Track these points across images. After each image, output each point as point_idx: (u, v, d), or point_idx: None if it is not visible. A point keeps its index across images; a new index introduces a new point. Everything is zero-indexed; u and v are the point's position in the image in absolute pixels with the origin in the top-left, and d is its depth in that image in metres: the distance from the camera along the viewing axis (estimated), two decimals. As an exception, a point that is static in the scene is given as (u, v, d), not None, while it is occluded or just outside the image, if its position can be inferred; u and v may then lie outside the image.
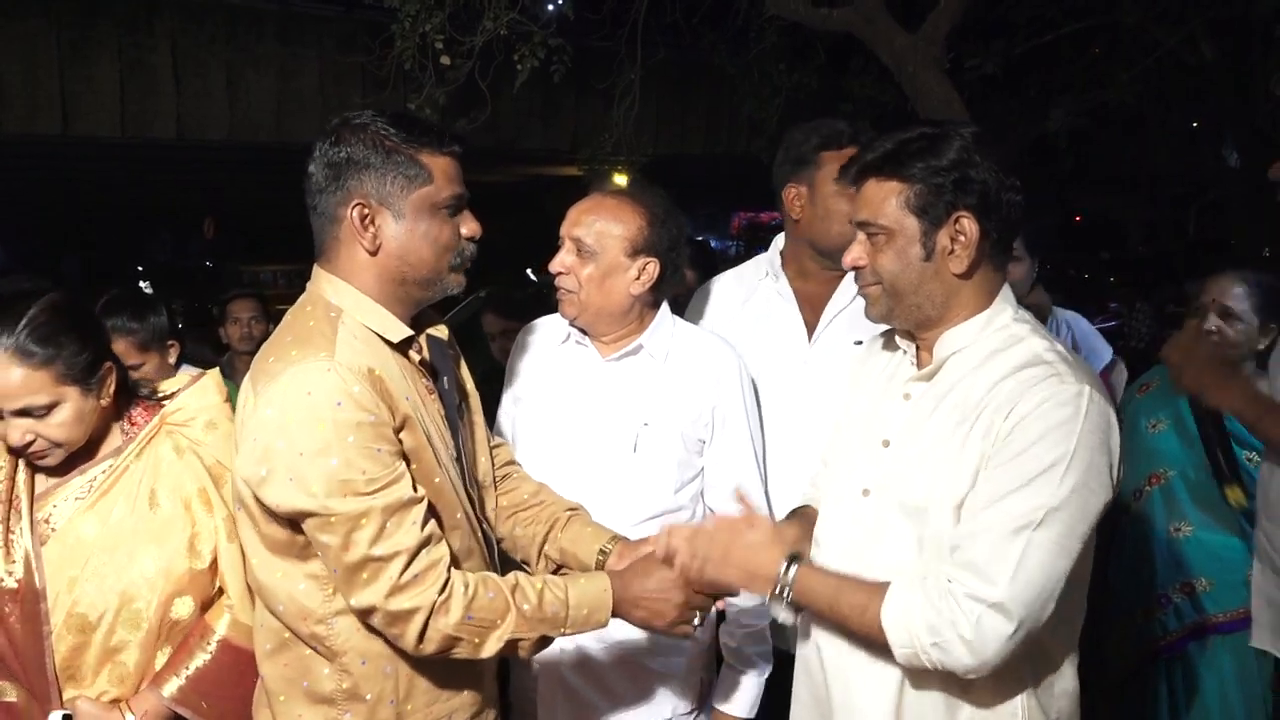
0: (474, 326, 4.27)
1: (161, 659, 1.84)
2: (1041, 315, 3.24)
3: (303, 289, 1.70)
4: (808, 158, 2.32)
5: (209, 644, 1.84)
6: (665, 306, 2.15)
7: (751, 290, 2.46)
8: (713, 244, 13.93)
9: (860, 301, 1.72)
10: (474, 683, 1.76)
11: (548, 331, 2.21)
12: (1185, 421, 2.84)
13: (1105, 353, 3.44)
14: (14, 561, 1.76)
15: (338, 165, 1.61)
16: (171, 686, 1.81)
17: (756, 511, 1.67)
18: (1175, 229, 17.60)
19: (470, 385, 1.89)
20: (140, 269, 19.42)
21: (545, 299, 2.16)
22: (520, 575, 1.66)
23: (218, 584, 1.88)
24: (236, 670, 1.83)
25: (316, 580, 1.60)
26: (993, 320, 1.61)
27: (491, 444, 1.98)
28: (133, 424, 1.89)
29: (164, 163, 13.05)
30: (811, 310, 2.38)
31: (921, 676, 1.59)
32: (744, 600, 2.12)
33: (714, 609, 2.14)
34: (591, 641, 2.05)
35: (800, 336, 2.37)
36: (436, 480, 1.66)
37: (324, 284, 1.66)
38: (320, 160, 1.63)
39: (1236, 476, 2.71)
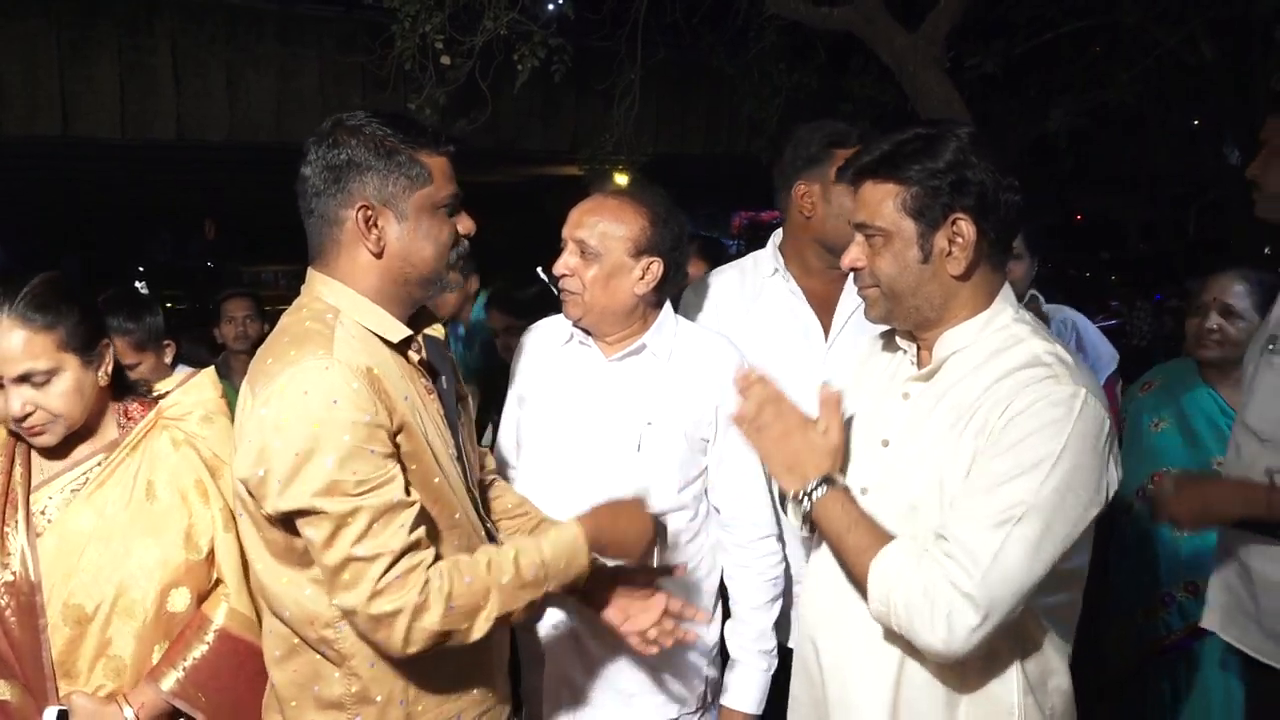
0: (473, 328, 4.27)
1: (158, 654, 1.83)
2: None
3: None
4: (820, 156, 2.31)
5: (207, 634, 1.84)
6: (668, 306, 2.15)
7: (759, 288, 2.45)
8: (713, 243, 13.91)
9: None
10: (484, 680, 1.76)
11: (550, 332, 2.22)
12: (1188, 420, 2.84)
13: (1109, 361, 3.42)
14: (9, 554, 1.76)
15: (338, 168, 1.60)
16: (169, 680, 1.80)
17: (839, 419, 1.67)
18: (1175, 229, 17.61)
19: (463, 388, 1.89)
20: (141, 269, 19.41)
21: (551, 295, 2.16)
22: (491, 549, 1.64)
23: (213, 577, 1.88)
24: (235, 660, 1.83)
25: (321, 585, 1.59)
26: (992, 321, 1.61)
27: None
28: (129, 418, 1.90)
29: (164, 163, 13.04)
30: (822, 310, 2.38)
31: (919, 672, 1.59)
32: (749, 600, 2.13)
33: (720, 607, 2.15)
34: (599, 640, 2.05)
35: (818, 337, 2.38)
36: (436, 481, 1.65)
37: (319, 286, 1.65)
38: (318, 163, 1.61)
39: None
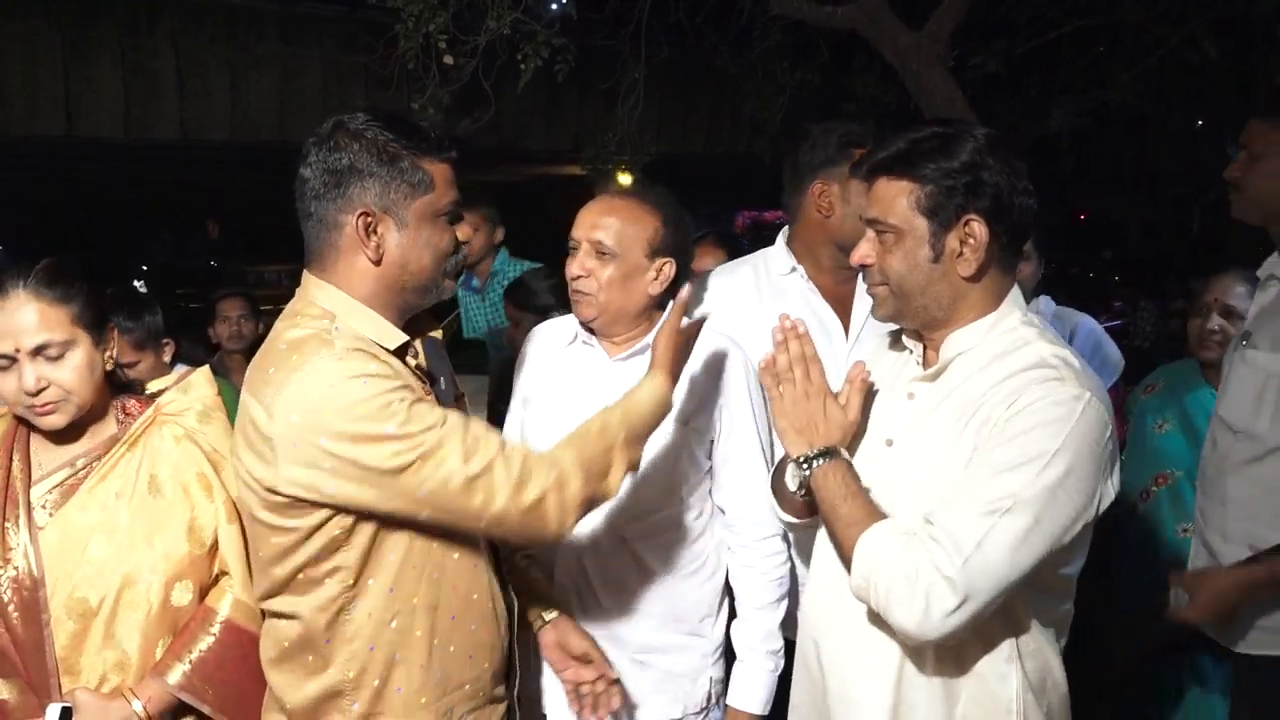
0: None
1: (161, 650, 1.83)
2: None
3: None
4: (839, 156, 2.29)
5: (213, 626, 1.84)
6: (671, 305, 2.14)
7: (777, 286, 2.43)
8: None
9: None
10: (475, 677, 1.76)
11: (554, 334, 2.21)
12: (1191, 421, 2.84)
13: (1115, 368, 3.40)
14: (11, 549, 1.76)
15: (338, 172, 1.58)
16: (176, 673, 1.80)
17: (860, 399, 1.69)
18: (1177, 228, 17.60)
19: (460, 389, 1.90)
20: (145, 269, 19.43)
21: (564, 288, 2.16)
22: (591, 417, 1.71)
23: (214, 571, 1.89)
24: (240, 652, 1.83)
25: (338, 574, 1.60)
26: (999, 323, 1.61)
27: None
28: (126, 414, 1.90)
29: (165, 163, 13.08)
30: (838, 308, 2.38)
31: (919, 673, 1.59)
32: (754, 600, 2.13)
33: (726, 607, 2.15)
34: (603, 640, 2.05)
35: (839, 335, 2.37)
36: None
37: (315, 291, 1.63)
38: (317, 166, 1.59)
39: None
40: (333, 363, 1.50)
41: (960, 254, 1.56)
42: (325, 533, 1.57)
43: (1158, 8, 7.21)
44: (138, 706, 1.77)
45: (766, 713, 2.13)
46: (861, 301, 2.34)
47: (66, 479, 1.82)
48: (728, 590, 2.19)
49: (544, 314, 2.88)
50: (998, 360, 1.57)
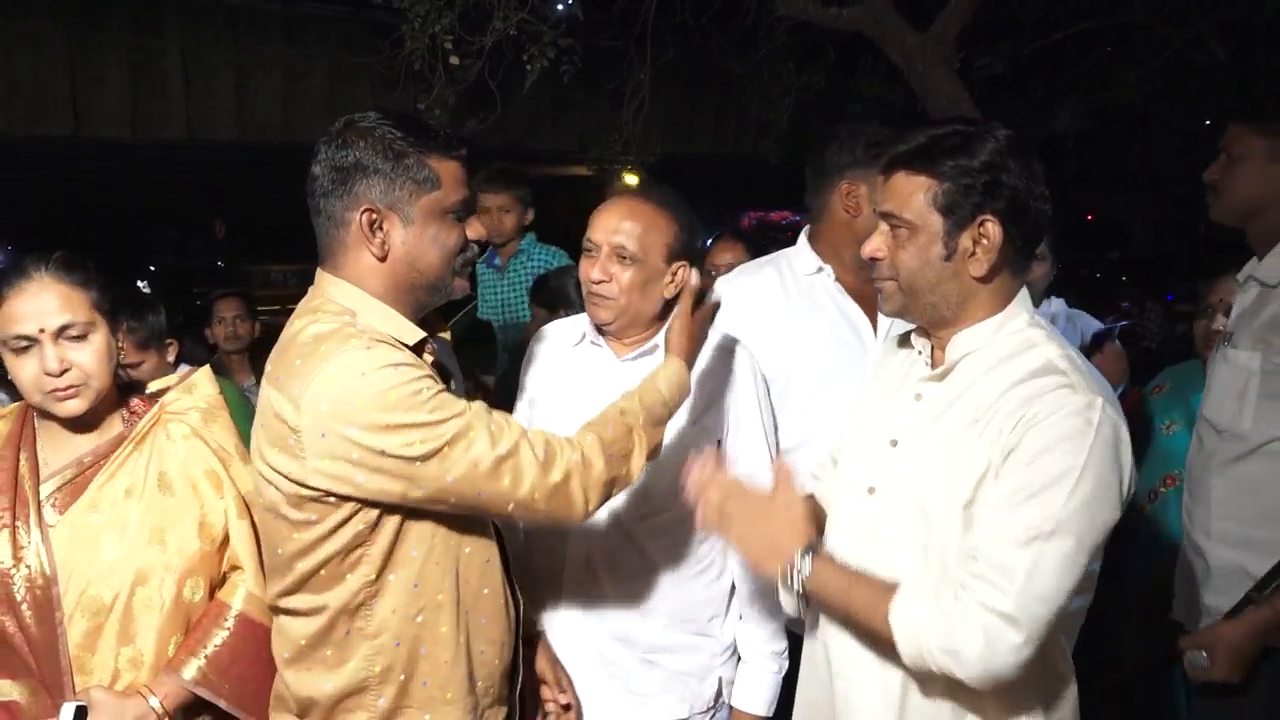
0: (475, 334, 4.24)
1: (173, 647, 1.84)
2: None
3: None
4: (866, 157, 2.29)
5: (226, 620, 1.85)
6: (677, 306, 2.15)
7: (804, 287, 2.43)
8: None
9: None
10: (489, 675, 1.77)
11: (560, 335, 2.22)
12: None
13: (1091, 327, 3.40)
14: (23, 548, 1.76)
15: (345, 169, 1.59)
16: (191, 668, 1.81)
17: (795, 491, 1.67)
18: (1179, 229, 17.55)
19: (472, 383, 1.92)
20: (152, 269, 19.46)
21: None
22: (612, 402, 1.76)
23: (223, 567, 1.90)
24: (255, 646, 1.84)
25: (360, 568, 1.61)
26: (1006, 324, 1.60)
27: None
28: (132, 412, 1.91)
29: (166, 163, 13.10)
30: (866, 308, 2.38)
31: (928, 683, 1.59)
32: (759, 600, 2.13)
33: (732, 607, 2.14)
34: (612, 640, 2.06)
35: (869, 334, 2.37)
36: None
37: (330, 288, 1.64)
38: (326, 163, 1.60)
39: None
40: (362, 353, 1.51)
41: (973, 254, 1.56)
42: (350, 527, 1.58)
43: (1163, 9, 7.20)
44: (155, 703, 1.77)
45: (770, 713, 2.13)
46: None
47: (74, 477, 1.82)
48: (735, 590, 2.19)
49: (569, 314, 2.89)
50: (1005, 363, 1.57)
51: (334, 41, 9.61)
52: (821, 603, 1.63)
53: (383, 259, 1.62)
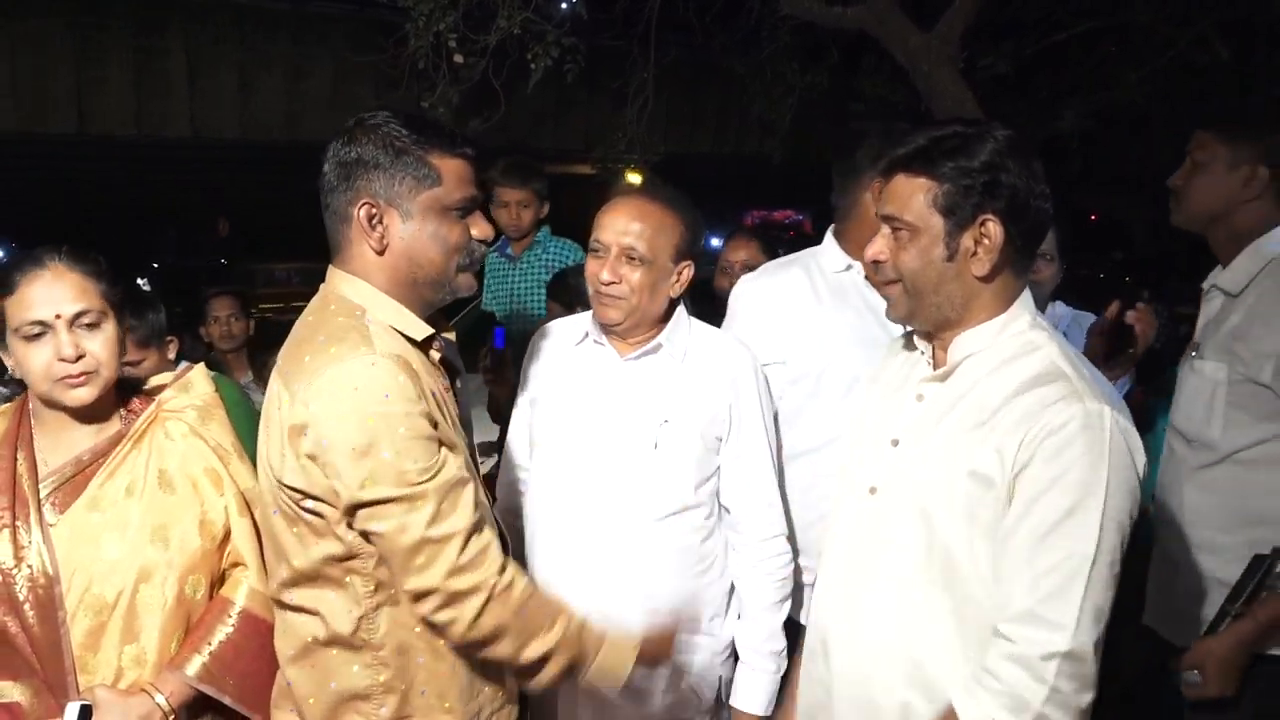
0: (478, 332, 4.23)
1: (175, 646, 1.84)
2: None
3: (317, 287, 1.72)
4: None
5: (230, 616, 1.85)
6: (681, 305, 2.15)
7: (834, 285, 2.41)
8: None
9: None
10: (496, 678, 1.77)
11: (562, 333, 2.22)
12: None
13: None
14: (24, 548, 1.76)
15: (348, 164, 1.62)
16: (194, 665, 1.81)
17: None
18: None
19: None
20: (155, 266, 19.48)
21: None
22: (566, 608, 1.68)
23: (222, 564, 1.90)
24: (258, 642, 1.84)
25: (360, 575, 1.62)
26: (1008, 325, 1.60)
27: None
28: (130, 411, 1.91)
29: (167, 162, 13.12)
30: None
31: (934, 673, 1.59)
32: (758, 601, 2.13)
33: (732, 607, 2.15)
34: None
35: (898, 331, 2.36)
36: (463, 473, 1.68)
37: (341, 283, 1.66)
38: (333, 159, 1.64)
39: None
40: (366, 367, 1.53)
41: (974, 253, 1.56)
42: (343, 532, 1.60)
43: (1165, 9, 7.19)
44: (161, 700, 1.77)
45: (769, 713, 2.13)
46: None
47: (73, 475, 1.82)
48: (735, 589, 2.19)
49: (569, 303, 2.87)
50: (1008, 365, 1.57)
51: (338, 40, 9.61)
52: None
53: (381, 252, 1.64)
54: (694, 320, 2.18)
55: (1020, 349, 1.58)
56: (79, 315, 1.76)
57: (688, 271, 2.08)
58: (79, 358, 1.75)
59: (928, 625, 1.59)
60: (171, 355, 3.08)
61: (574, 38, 6.35)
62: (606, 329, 2.10)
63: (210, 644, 1.83)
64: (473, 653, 1.68)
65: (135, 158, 12.31)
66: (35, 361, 1.75)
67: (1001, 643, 1.48)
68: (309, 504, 1.59)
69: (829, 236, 2.46)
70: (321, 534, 1.60)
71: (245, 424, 2.95)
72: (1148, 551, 2.91)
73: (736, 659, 2.17)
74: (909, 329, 1.77)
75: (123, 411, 1.90)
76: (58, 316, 1.75)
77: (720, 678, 2.16)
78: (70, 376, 1.75)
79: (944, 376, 1.64)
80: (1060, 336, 1.64)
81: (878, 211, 1.66)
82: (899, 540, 1.62)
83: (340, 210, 1.64)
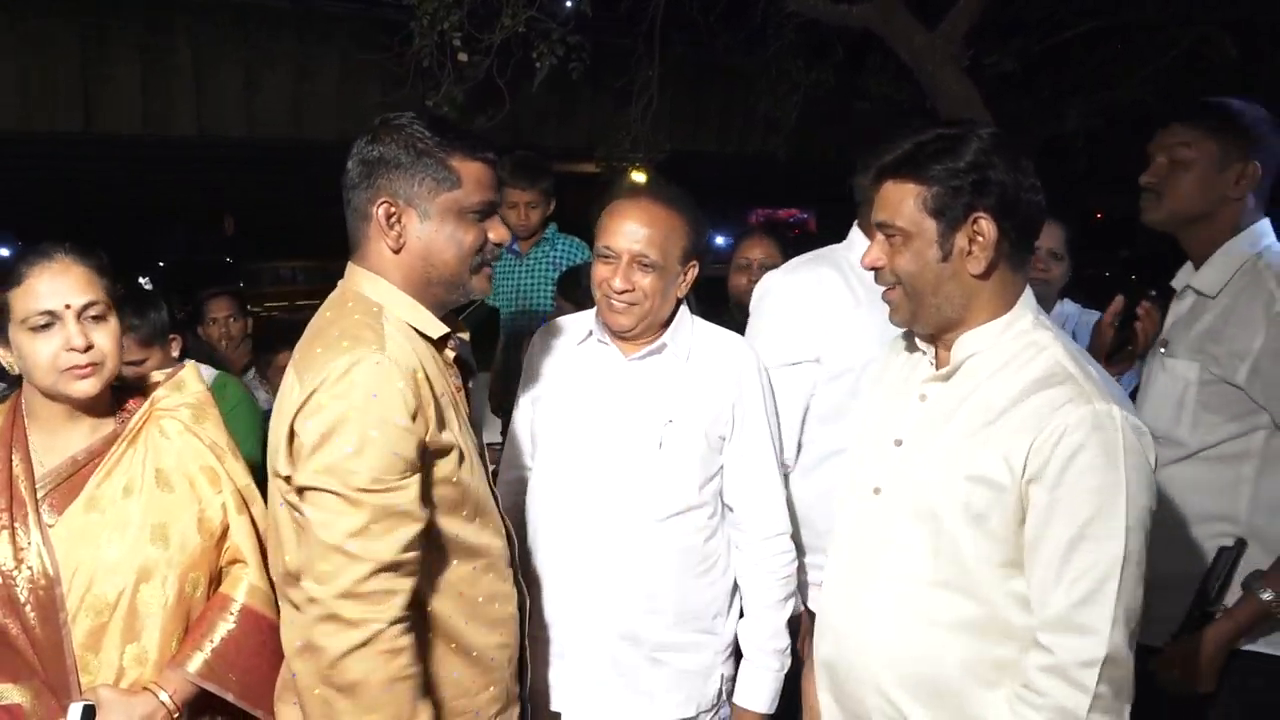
0: (485, 328, 4.23)
1: (176, 644, 1.84)
2: None
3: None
4: None
5: (230, 613, 1.85)
6: (684, 304, 2.15)
7: (867, 281, 2.34)
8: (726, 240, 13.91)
9: None
10: (499, 680, 1.77)
11: (565, 331, 2.22)
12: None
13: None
14: (23, 549, 1.76)
15: (370, 163, 1.64)
16: (196, 662, 1.81)
17: None
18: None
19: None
20: (161, 264, 19.51)
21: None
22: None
23: (220, 562, 1.91)
24: (260, 638, 1.84)
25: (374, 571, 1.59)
26: (1012, 325, 1.61)
27: None
28: (125, 411, 1.92)
29: (169, 162, 13.13)
30: None
31: (942, 673, 1.59)
32: (762, 599, 2.13)
33: (736, 605, 2.14)
34: (620, 639, 2.06)
35: None
36: (469, 473, 1.68)
37: (361, 280, 1.68)
38: (356, 157, 1.67)
39: None
40: (368, 365, 1.53)
41: (969, 252, 1.57)
42: None
43: (1168, 8, 7.17)
44: (165, 698, 1.77)
45: (772, 711, 2.13)
46: None
47: (69, 475, 1.82)
48: (737, 588, 2.19)
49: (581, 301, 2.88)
50: (1012, 365, 1.57)
51: (343, 39, 9.61)
52: None
53: (398, 251, 1.66)
54: (697, 319, 2.18)
55: (1024, 349, 1.58)
56: (87, 306, 1.78)
57: (693, 272, 2.08)
58: (88, 348, 1.76)
59: (931, 626, 1.59)
60: (175, 353, 3.07)
61: (578, 36, 6.35)
62: (620, 333, 2.10)
63: (212, 641, 1.83)
64: (479, 641, 1.68)
65: (145, 156, 12.32)
66: (43, 352, 1.75)
67: (1039, 654, 1.49)
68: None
69: (855, 232, 2.42)
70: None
71: (250, 421, 2.97)
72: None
73: (737, 658, 2.17)
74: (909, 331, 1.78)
75: (118, 411, 1.91)
76: (67, 307, 1.76)
77: (723, 676, 2.16)
78: (78, 367, 1.76)
79: (947, 376, 1.64)
80: (1065, 335, 1.64)
81: (871, 220, 1.67)
82: (903, 541, 1.62)
83: (361, 208, 1.66)
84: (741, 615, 2.17)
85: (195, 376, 2.01)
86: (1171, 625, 2.12)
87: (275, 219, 19.77)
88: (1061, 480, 1.47)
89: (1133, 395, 2.47)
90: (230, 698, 1.82)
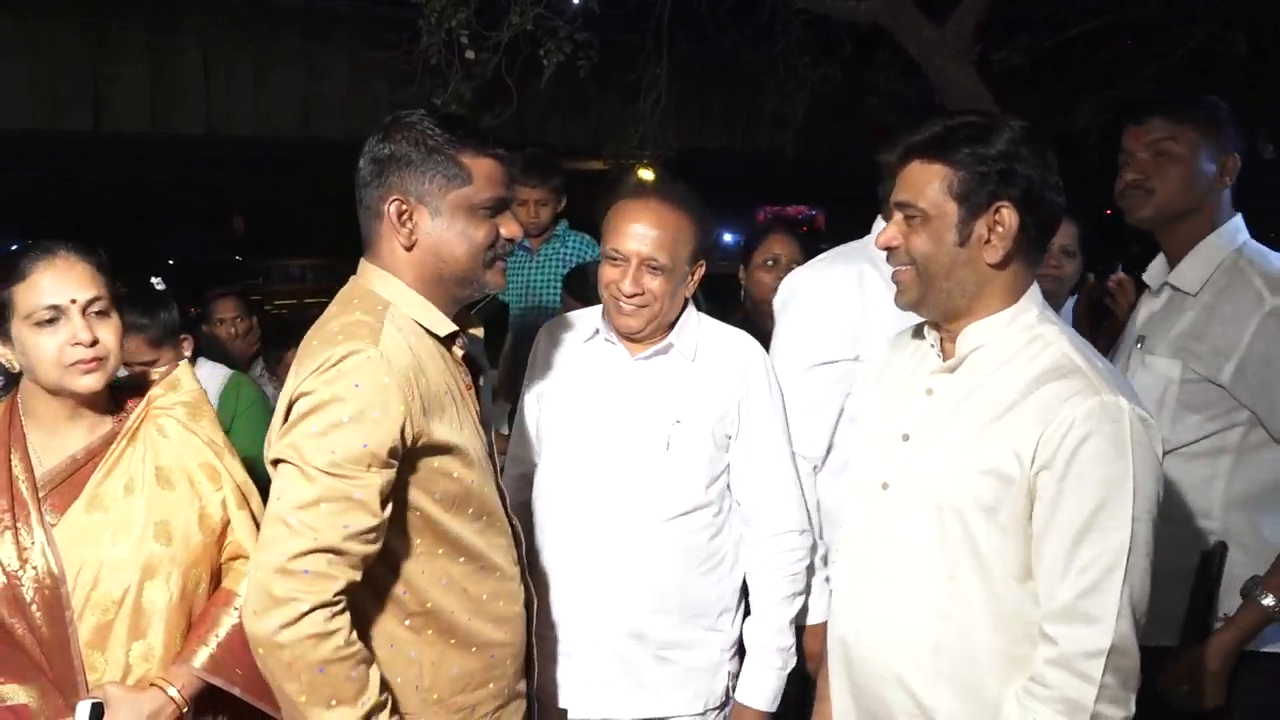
0: (495, 324, 4.23)
1: (182, 641, 1.84)
2: None
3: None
4: None
5: (234, 608, 1.85)
6: (690, 303, 2.15)
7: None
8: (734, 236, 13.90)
9: None
10: (500, 676, 1.77)
11: (571, 329, 2.21)
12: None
13: None
14: (27, 548, 1.76)
15: (382, 160, 1.65)
16: (202, 656, 1.81)
17: None
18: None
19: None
20: (170, 263, 19.56)
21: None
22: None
23: (222, 557, 1.92)
24: None
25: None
26: (1017, 318, 1.60)
27: None
28: (124, 410, 1.92)
29: (188, 159, 13.15)
30: None
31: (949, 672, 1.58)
32: (769, 595, 2.13)
33: (743, 603, 2.14)
34: (627, 637, 2.06)
35: None
36: (471, 472, 1.68)
37: (372, 277, 1.69)
38: (368, 155, 1.68)
39: None
40: (358, 358, 1.54)
41: (988, 240, 1.56)
42: None
43: (1173, 6, 7.13)
44: (173, 693, 1.77)
45: (774, 709, 2.13)
46: None
47: (69, 475, 1.82)
48: (744, 586, 2.19)
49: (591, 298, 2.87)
50: (1019, 358, 1.57)
51: (351, 37, 9.63)
52: None
53: (409, 248, 1.66)
54: (703, 316, 2.17)
55: (1030, 342, 1.58)
56: (92, 301, 1.78)
57: (700, 271, 2.08)
58: (93, 343, 1.77)
59: (943, 619, 1.59)
60: (188, 353, 3.06)
61: (586, 33, 6.34)
62: (629, 335, 2.09)
63: (217, 635, 1.83)
64: (478, 637, 1.69)
65: (154, 154, 12.35)
66: (47, 347, 1.75)
67: (1046, 646, 1.49)
68: None
69: (879, 224, 2.39)
70: None
71: (263, 419, 2.96)
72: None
73: (742, 655, 2.17)
74: (916, 324, 1.77)
75: (117, 411, 1.91)
76: (73, 302, 1.76)
77: (729, 673, 2.15)
78: (84, 361, 1.76)
79: (953, 368, 1.63)
80: (1070, 329, 1.63)
81: (891, 198, 1.66)
82: (913, 535, 1.62)
83: (372, 205, 1.67)
84: (748, 613, 2.17)
85: (189, 375, 2.01)
86: (1159, 623, 2.11)
87: (283, 217, 19.82)
88: (1069, 470, 1.46)
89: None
90: (236, 691, 1.82)
